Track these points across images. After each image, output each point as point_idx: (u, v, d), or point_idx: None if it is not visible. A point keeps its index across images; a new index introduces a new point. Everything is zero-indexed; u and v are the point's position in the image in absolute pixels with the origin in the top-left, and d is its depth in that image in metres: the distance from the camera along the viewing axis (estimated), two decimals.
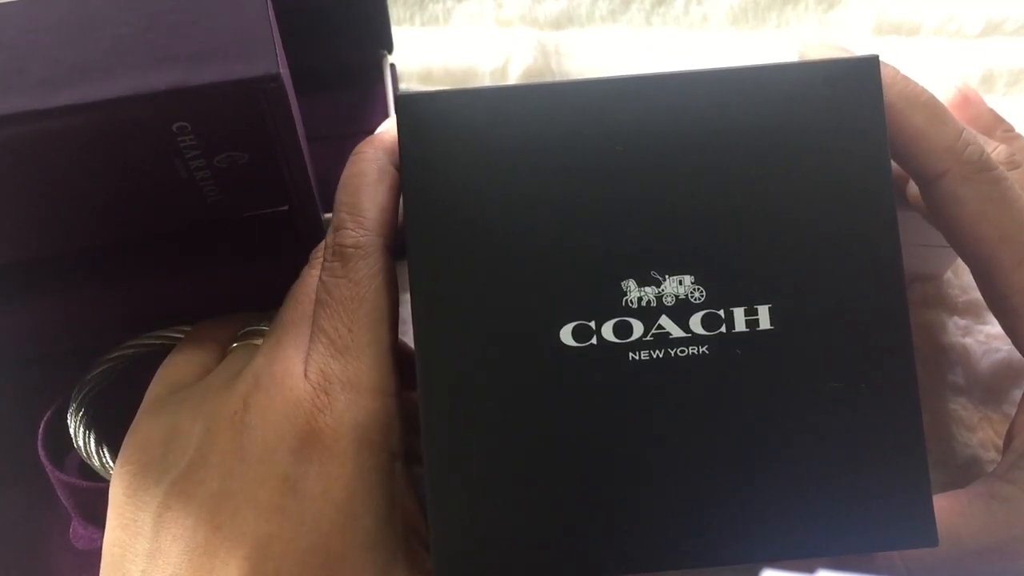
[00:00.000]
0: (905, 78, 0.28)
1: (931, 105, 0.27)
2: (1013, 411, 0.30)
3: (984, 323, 0.38)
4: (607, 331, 0.25)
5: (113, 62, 0.24)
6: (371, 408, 0.26)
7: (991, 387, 0.36)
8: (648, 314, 0.25)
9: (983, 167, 0.27)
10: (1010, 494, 0.27)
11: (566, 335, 0.25)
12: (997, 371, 0.36)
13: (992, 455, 0.35)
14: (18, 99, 0.23)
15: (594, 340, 0.25)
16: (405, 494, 0.27)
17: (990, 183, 0.27)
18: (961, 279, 0.38)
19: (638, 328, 0.25)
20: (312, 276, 0.28)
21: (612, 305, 0.25)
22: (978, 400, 0.36)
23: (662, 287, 0.25)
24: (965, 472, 0.35)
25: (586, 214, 0.25)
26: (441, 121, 0.26)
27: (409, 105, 0.26)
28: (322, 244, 0.29)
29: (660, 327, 0.25)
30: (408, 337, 0.26)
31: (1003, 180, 0.27)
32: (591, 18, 0.46)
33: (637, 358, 0.25)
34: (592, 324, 0.25)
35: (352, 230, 0.27)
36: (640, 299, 0.25)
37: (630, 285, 0.25)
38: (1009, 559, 0.27)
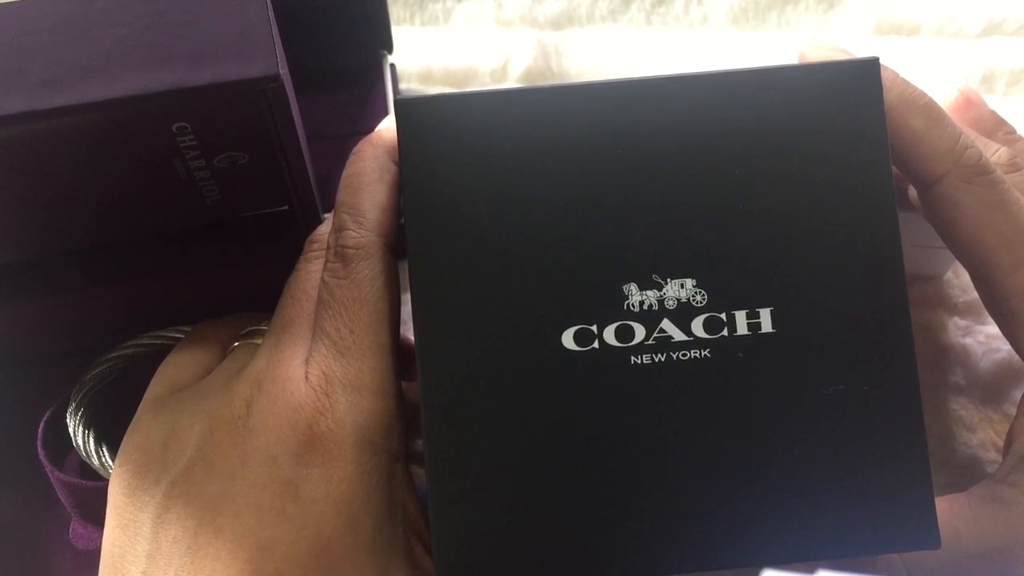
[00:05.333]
0: (904, 81, 0.28)
1: (930, 108, 0.27)
2: (1013, 411, 0.30)
3: (984, 323, 0.38)
4: (609, 335, 0.25)
5: (113, 62, 0.24)
6: (372, 409, 0.26)
7: (991, 387, 0.36)
8: (650, 318, 0.25)
9: (981, 171, 0.27)
10: (1011, 497, 0.27)
11: (567, 339, 0.25)
12: (997, 371, 0.36)
13: (992, 455, 0.35)
14: (18, 99, 0.23)
15: (596, 344, 0.25)
16: (406, 495, 0.27)
17: (988, 187, 0.27)
18: (961, 279, 0.38)
19: (640, 332, 0.25)
20: (306, 271, 0.28)
21: (614, 309, 0.25)
22: (978, 400, 0.36)
23: (664, 291, 0.25)
24: (965, 472, 0.35)
25: (586, 217, 0.25)
26: (441, 125, 0.26)
27: (408, 109, 0.26)
28: (314, 237, 0.29)
29: (662, 331, 0.25)
30: (411, 335, 0.26)
31: (1001, 183, 0.27)
32: (591, 18, 0.46)
33: (639, 362, 0.25)
34: (594, 328, 0.25)
35: (353, 231, 0.27)
36: (642, 303, 0.25)
37: (631, 289, 0.25)
38: (1010, 562, 0.27)
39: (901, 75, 0.28)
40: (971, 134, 0.30)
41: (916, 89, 0.28)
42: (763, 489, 0.25)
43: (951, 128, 0.27)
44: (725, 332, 0.25)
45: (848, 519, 0.25)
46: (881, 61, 0.26)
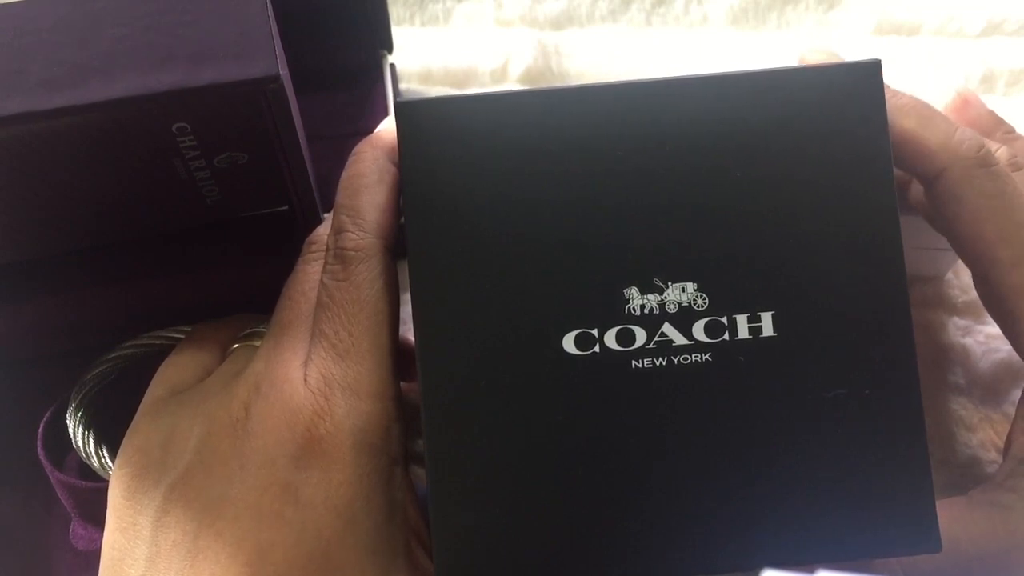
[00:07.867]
0: (892, 90, 0.28)
1: (920, 108, 0.28)
2: (1013, 411, 0.30)
3: (984, 323, 0.38)
4: (610, 339, 0.25)
5: (113, 63, 0.24)
6: (371, 412, 0.26)
7: (991, 387, 0.36)
8: (651, 322, 0.25)
9: (982, 162, 0.27)
10: (1010, 502, 0.27)
11: (568, 343, 0.25)
12: (997, 371, 0.36)
13: (992, 455, 0.35)
14: (18, 99, 0.23)
15: (596, 348, 0.25)
16: (405, 497, 0.27)
17: (989, 179, 0.27)
18: (961, 279, 0.38)
19: (641, 336, 0.25)
20: (305, 272, 0.28)
21: (614, 313, 0.25)
22: (978, 400, 0.36)
23: (665, 294, 0.25)
24: (965, 472, 0.35)
25: (587, 220, 0.25)
26: (441, 127, 0.26)
27: (408, 111, 0.26)
28: (312, 238, 0.29)
29: (663, 335, 0.25)
30: (411, 335, 0.26)
31: (1003, 176, 0.27)
32: (591, 18, 0.46)
33: (640, 366, 0.25)
34: (595, 332, 0.25)
35: (352, 233, 0.27)
36: (643, 306, 0.25)
37: (632, 292, 0.25)
38: (1009, 567, 0.27)
39: (890, 84, 0.28)
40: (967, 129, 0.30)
41: (904, 95, 0.28)
42: (763, 492, 0.25)
43: (944, 123, 0.28)
44: (726, 336, 0.25)
45: (848, 522, 0.25)
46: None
